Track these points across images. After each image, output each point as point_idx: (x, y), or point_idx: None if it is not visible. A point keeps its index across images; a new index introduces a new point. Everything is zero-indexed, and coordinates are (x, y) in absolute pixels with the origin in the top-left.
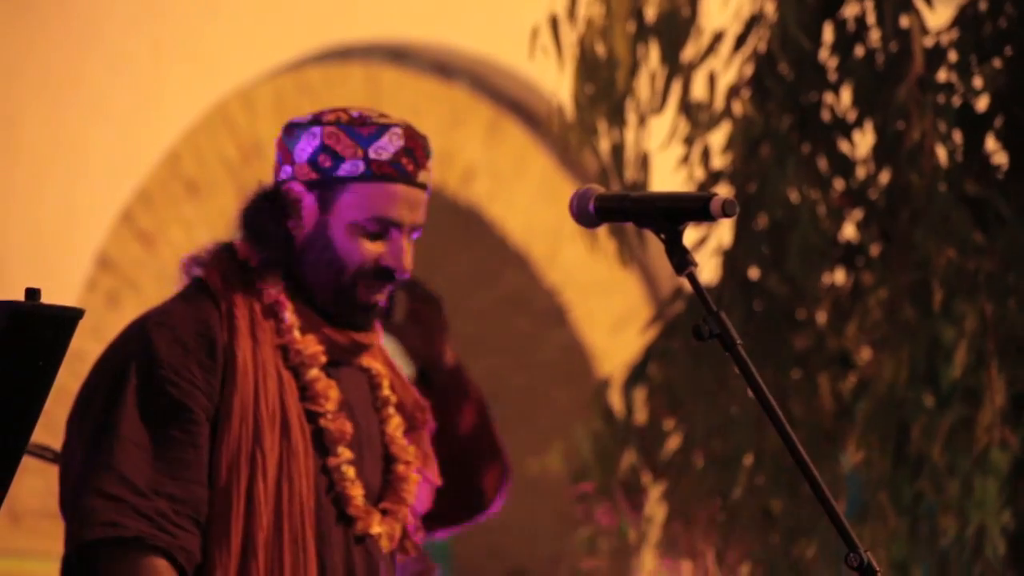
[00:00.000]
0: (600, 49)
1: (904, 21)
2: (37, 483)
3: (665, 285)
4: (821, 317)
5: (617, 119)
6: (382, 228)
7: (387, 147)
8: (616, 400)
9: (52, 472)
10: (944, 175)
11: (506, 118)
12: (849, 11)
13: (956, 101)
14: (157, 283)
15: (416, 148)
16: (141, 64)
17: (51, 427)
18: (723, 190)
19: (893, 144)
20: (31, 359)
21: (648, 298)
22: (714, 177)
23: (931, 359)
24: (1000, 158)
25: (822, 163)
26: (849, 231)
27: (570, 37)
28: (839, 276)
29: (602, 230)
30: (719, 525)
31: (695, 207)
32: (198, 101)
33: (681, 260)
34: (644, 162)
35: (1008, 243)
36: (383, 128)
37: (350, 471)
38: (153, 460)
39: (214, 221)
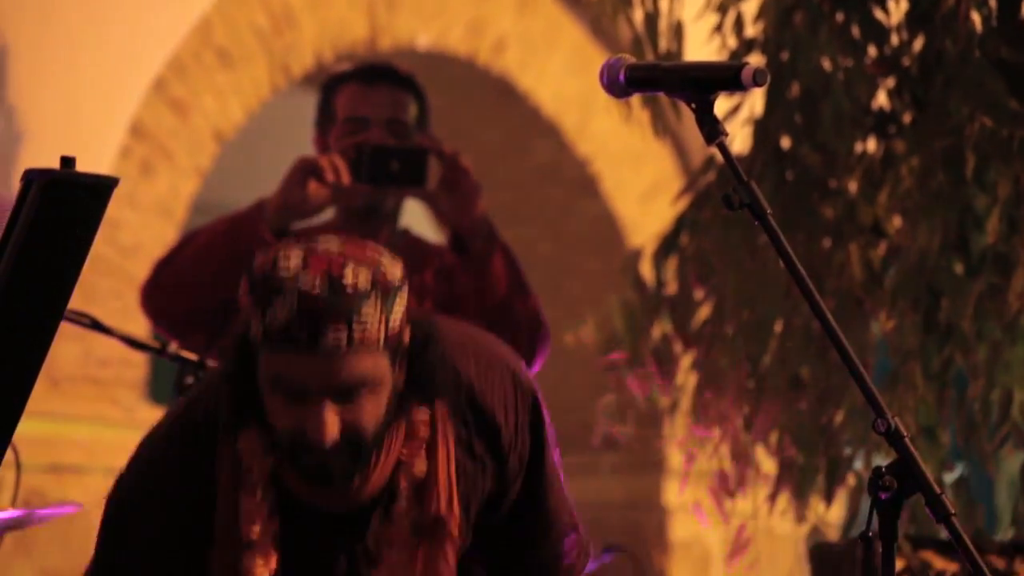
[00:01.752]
0: None
1: None
2: (75, 348)
3: (696, 155)
4: (852, 186)
5: None
6: (292, 395)
7: (277, 314)
8: (647, 270)
9: (90, 337)
10: (978, 41)
11: None
12: None
13: None
14: (190, 151)
15: (315, 312)
16: None
17: (87, 294)
18: (756, 59)
19: (927, 10)
20: (67, 227)
21: (679, 168)
22: (747, 46)
23: (963, 227)
24: None
25: (855, 31)
26: (882, 99)
27: None
28: (871, 145)
29: (636, 100)
30: (748, 392)
31: (726, 76)
32: None
33: (712, 130)
34: (678, 31)
35: None
36: (277, 291)
37: None
38: None
39: (246, 90)
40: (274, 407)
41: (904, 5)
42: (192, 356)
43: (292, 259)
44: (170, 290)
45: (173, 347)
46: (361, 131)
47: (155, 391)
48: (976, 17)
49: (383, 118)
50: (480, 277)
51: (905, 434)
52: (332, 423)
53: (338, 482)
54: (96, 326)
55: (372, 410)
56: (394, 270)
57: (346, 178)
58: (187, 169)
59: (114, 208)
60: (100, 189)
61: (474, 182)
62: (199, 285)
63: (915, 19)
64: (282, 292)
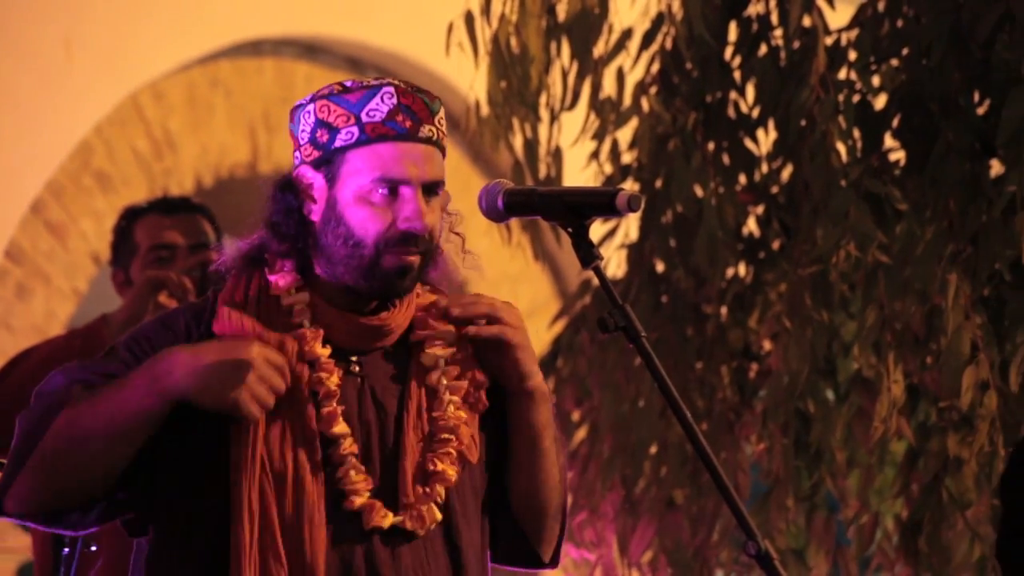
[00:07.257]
0: (514, 45)
1: (806, 20)
2: None
3: (572, 279)
4: (723, 310)
5: (530, 115)
6: (389, 190)
7: (379, 108)
8: None
9: None
10: (843, 171)
11: None
12: (753, 10)
13: (855, 99)
14: (67, 274)
15: (413, 104)
16: (52, 58)
17: None
18: (631, 185)
19: (795, 141)
20: None
21: (556, 291)
22: (623, 172)
23: (830, 352)
24: (897, 155)
25: (726, 159)
26: (751, 225)
27: (485, 33)
28: (741, 269)
29: (515, 223)
30: (623, 514)
31: (601, 202)
32: (109, 94)
33: (587, 254)
34: (556, 157)
35: (905, 237)
36: (373, 90)
37: (352, 468)
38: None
39: None
40: (362, 215)
41: (773, 135)
42: None
43: (364, 78)
44: (4, 405)
45: None
46: (168, 257)
47: None
48: (841, 148)
49: (187, 243)
50: None
51: (775, 556)
52: (427, 210)
53: (402, 284)
54: None
55: (437, 217)
56: None
57: (192, 295)
58: (64, 292)
59: None
60: None
61: None
62: None
63: (783, 149)
64: (377, 92)
